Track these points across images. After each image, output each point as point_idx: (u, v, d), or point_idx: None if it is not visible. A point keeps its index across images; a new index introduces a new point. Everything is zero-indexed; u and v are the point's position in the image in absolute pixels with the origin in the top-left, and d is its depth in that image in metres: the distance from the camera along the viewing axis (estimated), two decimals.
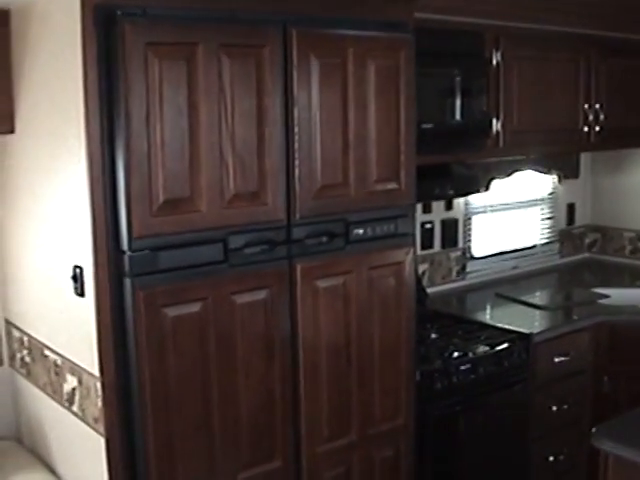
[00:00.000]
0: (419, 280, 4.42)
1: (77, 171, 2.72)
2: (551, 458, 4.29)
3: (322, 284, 3.11)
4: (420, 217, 4.60)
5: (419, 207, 4.54)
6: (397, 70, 3.21)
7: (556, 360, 4.20)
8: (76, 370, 2.96)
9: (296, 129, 2.94)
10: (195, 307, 2.80)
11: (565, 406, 4.27)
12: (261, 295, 2.95)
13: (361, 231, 3.19)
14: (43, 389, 3.25)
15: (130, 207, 2.63)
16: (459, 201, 4.83)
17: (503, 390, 3.96)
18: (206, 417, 2.88)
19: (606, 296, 4.70)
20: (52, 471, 3.29)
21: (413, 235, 3.41)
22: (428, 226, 4.71)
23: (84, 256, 2.76)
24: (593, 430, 2.96)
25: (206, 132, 2.73)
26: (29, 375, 3.37)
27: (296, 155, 2.95)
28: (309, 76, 2.95)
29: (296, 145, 2.94)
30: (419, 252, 4.51)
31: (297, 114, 2.94)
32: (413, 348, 3.45)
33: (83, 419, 2.96)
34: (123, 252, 2.69)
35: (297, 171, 2.96)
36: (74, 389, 2.99)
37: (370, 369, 3.30)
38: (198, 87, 2.71)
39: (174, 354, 2.78)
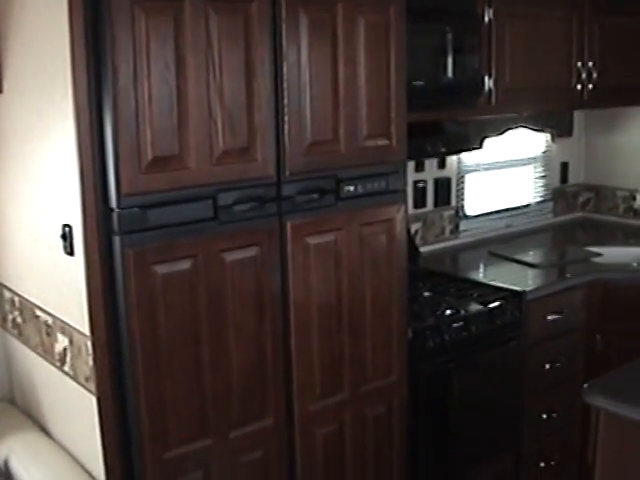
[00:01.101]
0: (412, 239, 4.41)
1: (65, 129, 2.69)
2: (544, 416, 4.30)
3: (313, 241, 3.09)
4: (413, 176, 4.59)
5: (411, 166, 4.54)
6: (387, 26, 3.17)
7: (549, 318, 4.19)
8: (67, 330, 2.95)
9: (285, 85, 2.91)
10: (185, 264, 2.79)
11: (558, 364, 4.27)
12: (251, 252, 2.93)
13: (352, 188, 3.17)
14: (35, 350, 3.24)
15: (118, 164, 2.61)
16: (452, 160, 4.81)
17: (496, 348, 3.95)
18: (197, 375, 2.88)
19: (599, 254, 4.69)
20: (45, 431, 3.30)
21: (404, 192, 3.39)
22: (421, 185, 4.69)
23: (73, 215, 2.74)
24: (585, 386, 2.95)
25: (194, 88, 2.71)
26: (21, 336, 3.36)
27: (285, 111, 2.92)
28: (298, 31, 2.92)
29: (285, 101, 2.92)
30: (412, 211, 4.54)
31: (286, 69, 2.91)
32: (405, 305, 3.45)
33: (75, 379, 2.95)
34: (112, 210, 2.67)
35: (287, 127, 2.93)
36: (65, 349, 2.98)
37: (362, 326, 3.30)
38: (185, 43, 2.67)
39: (165, 312, 2.77)
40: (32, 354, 3.28)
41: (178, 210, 2.75)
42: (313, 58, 2.98)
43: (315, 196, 3.08)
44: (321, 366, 3.20)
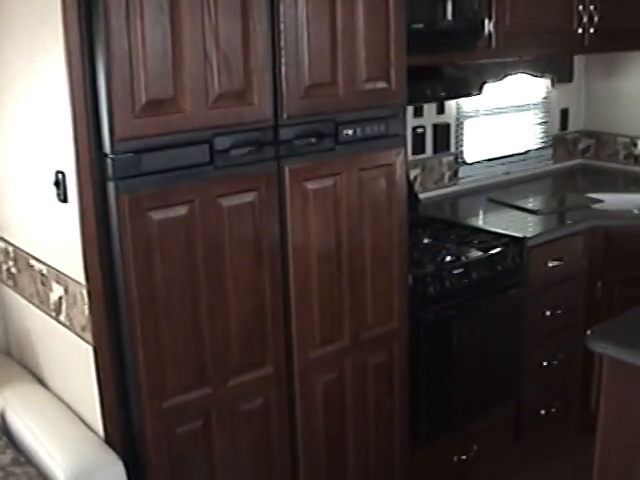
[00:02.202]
0: (411, 185, 4.36)
1: (56, 73, 2.62)
2: (545, 363, 4.27)
3: (311, 186, 3.04)
4: (411, 121, 4.53)
5: (410, 111, 4.47)
6: None
7: (550, 265, 4.15)
8: (62, 279, 2.90)
9: (282, 26, 2.83)
10: (181, 210, 2.73)
11: (559, 311, 4.24)
12: (249, 198, 2.88)
13: (351, 131, 3.11)
14: (30, 300, 3.20)
15: (112, 109, 2.54)
16: (451, 105, 4.74)
17: (497, 295, 3.92)
18: (195, 323, 2.84)
19: (600, 201, 4.64)
20: (42, 383, 3.27)
21: (404, 136, 3.33)
22: (420, 130, 4.62)
23: (66, 161, 2.68)
24: (588, 332, 2.91)
25: (189, 30, 2.63)
26: (16, 286, 3.32)
27: (282, 53, 2.85)
28: None
29: (282, 42, 2.84)
30: (411, 157, 4.49)
31: (283, 10, 2.83)
32: (405, 252, 3.40)
33: (71, 328, 2.91)
34: (106, 155, 2.61)
35: (284, 69, 2.86)
36: (60, 298, 2.94)
37: (362, 273, 3.26)
38: None
39: (161, 259, 2.72)
40: (27, 304, 3.23)
41: (173, 155, 2.69)
42: None
43: (313, 140, 3.02)
44: (321, 313, 3.16)
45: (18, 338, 3.43)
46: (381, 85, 3.17)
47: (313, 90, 2.96)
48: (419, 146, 4.64)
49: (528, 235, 4.05)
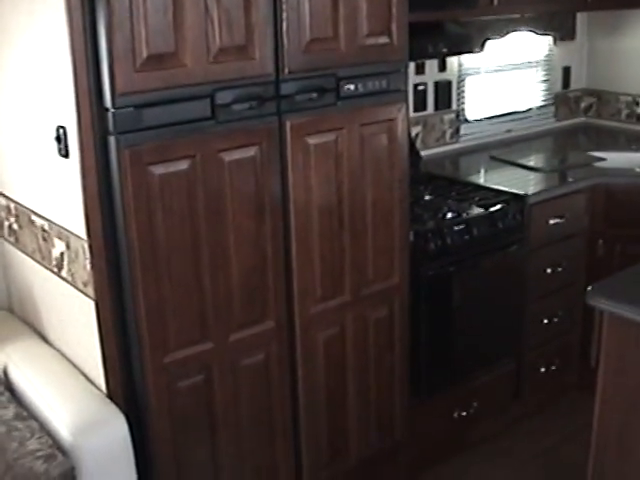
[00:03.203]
0: (412, 142, 4.35)
1: (57, 28, 2.59)
2: (545, 320, 4.29)
3: (313, 141, 3.03)
4: (413, 78, 4.51)
5: (412, 68, 4.46)
6: None
7: (551, 222, 4.16)
8: (64, 234, 2.90)
9: None
10: (183, 165, 2.73)
11: (559, 269, 4.25)
12: (250, 152, 2.88)
13: (352, 87, 3.10)
14: (32, 256, 3.20)
15: (113, 63, 2.53)
16: (452, 62, 4.72)
17: (498, 252, 3.92)
18: (197, 278, 2.85)
19: (602, 159, 4.63)
20: (44, 339, 3.28)
21: (405, 92, 3.32)
22: (421, 88, 4.61)
23: (67, 115, 2.67)
24: (588, 288, 2.92)
25: None
26: (17, 243, 3.32)
27: (284, 7, 2.83)
28: None
29: None
30: (412, 115, 4.47)
31: None
32: (406, 208, 3.40)
33: (72, 284, 2.92)
34: (107, 109, 2.60)
35: (285, 24, 2.85)
36: (62, 253, 2.95)
37: (363, 229, 3.26)
38: None
39: (162, 214, 2.72)
40: (29, 261, 3.24)
41: (175, 109, 2.69)
42: None
43: (314, 95, 3.01)
44: (322, 269, 3.17)
45: (20, 295, 3.44)
46: (383, 40, 3.15)
47: (314, 45, 2.95)
48: (420, 103, 4.63)
49: (529, 192, 4.04)
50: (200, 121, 2.75)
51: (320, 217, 3.11)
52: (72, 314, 3.00)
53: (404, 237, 3.41)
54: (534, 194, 4.05)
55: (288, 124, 2.95)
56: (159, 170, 2.68)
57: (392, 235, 3.36)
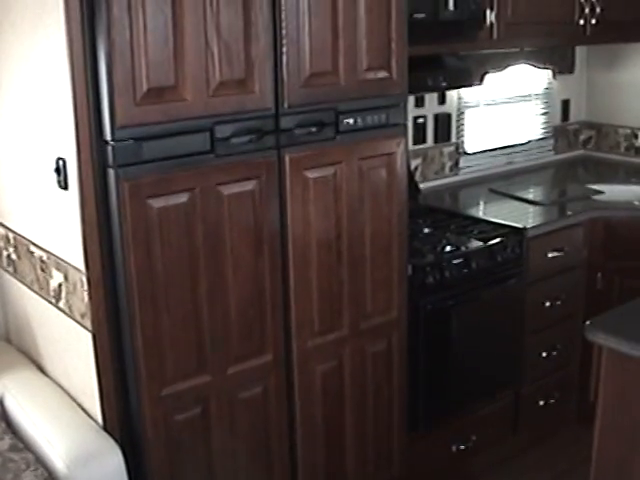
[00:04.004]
0: (411, 175, 4.36)
1: (58, 60, 2.61)
2: (544, 354, 4.28)
3: (312, 175, 3.04)
4: (413, 111, 4.53)
5: (411, 101, 4.47)
6: None
7: (550, 255, 4.15)
8: (62, 265, 2.90)
9: (283, 15, 2.83)
10: (182, 198, 2.73)
11: (558, 302, 4.24)
12: (249, 186, 2.88)
13: (351, 121, 3.11)
14: (30, 286, 3.20)
15: (113, 95, 2.54)
16: (452, 95, 4.74)
17: (496, 285, 3.92)
18: (195, 311, 2.84)
19: (600, 192, 4.63)
20: (41, 369, 3.27)
21: (405, 126, 3.33)
22: (421, 120, 4.62)
23: (67, 147, 2.68)
24: (587, 323, 2.91)
25: (190, 18, 2.63)
26: (16, 273, 3.32)
27: (284, 41, 2.85)
28: None
29: (284, 31, 2.84)
30: (412, 147, 4.49)
31: None
32: (405, 241, 3.40)
33: (70, 315, 2.92)
34: (106, 142, 2.61)
35: (285, 58, 2.86)
36: (60, 285, 2.94)
37: (361, 262, 3.26)
38: None
39: (161, 247, 2.72)
40: (27, 291, 3.24)
41: (174, 143, 2.70)
42: None
43: (314, 129, 3.02)
44: (320, 302, 3.17)
45: (18, 325, 3.43)
46: (382, 74, 3.16)
47: (314, 79, 2.96)
48: (420, 136, 4.64)
49: (528, 226, 4.04)
50: (199, 154, 2.76)
51: (318, 250, 3.11)
52: (69, 345, 2.99)
53: (402, 271, 3.41)
54: (533, 227, 4.06)
55: (287, 158, 2.96)
56: (158, 203, 2.69)
57: (391, 269, 3.35)
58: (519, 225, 4.03)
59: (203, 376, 2.92)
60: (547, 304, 4.20)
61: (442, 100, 4.69)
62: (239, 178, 2.86)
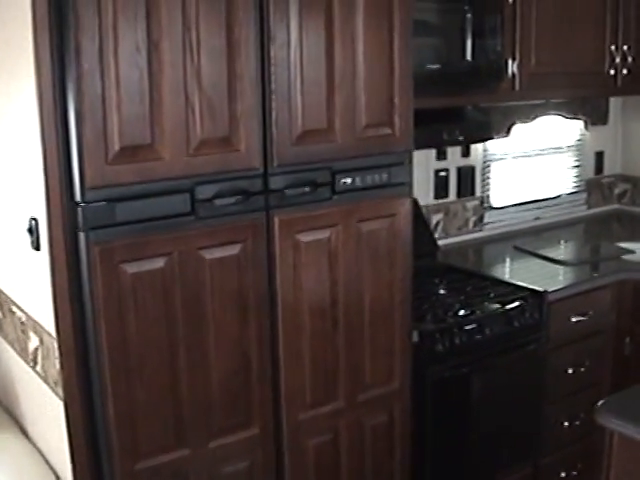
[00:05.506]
0: (430, 232, 4.18)
1: (29, 116, 2.48)
2: (566, 423, 4.04)
3: (304, 238, 2.86)
4: (434, 164, 4.37)
5: (433, 154, 4.30)
6: (390, 1, 2.92)
7: (573, 320, 3.93)
8: (38, 329, 2.77)
9: (272, 68, 2.67)
10: (158, 263, 2.57)
11: (582, 368, 4.01)
12: (234, 250, 2.71)
13: (349, 180, 2.93)
14: (12, 346, 3.08)
15: (82, 154, 2.40)
16: (477, 147, 4.54)
17: (513, 352, 3.69)
18: (173, 382, 2.67)
19: (631, 251, 4.39)
20: (23, 430, 3.13)
21: (410, 185, 3.13)
22: (443, 174, 4.43)
23: (38, 207, 2.54)
24: (598, 404, 2.69)
25: (169, 71, 2.48)
26: (1, 331, 3.18)
27: (273, 96, 2.69)
28: (287, 6, 2.68)
29: (273, 85, 2.68)
30: (433, 202, 4.35)
31: (274, 51, 2.67)
32: (409, 308, 3.20)
33: (45, 381, 2.78)
34: (77, 203, 2.46)
35: (274, 114, 2.70)
36: (37, 349, 2.81)
37: (359, 331, 3.07)
38: (160, 20, 2.44)
39: (135, 315, 2.56)
40: (10, 349, 3.11)
41: (150, 204, 2.54)
42: (305, 37, 2.73)
43: (307, 189, 2.84)
44: (313, 373, 2.98)
45: (4, 383, 3.30)
46: (384, 131, 2.99)
47: (307, 137, 2.79)
48: (442, 190, 4.45)
49: (550, 289, 3.82)
50: (178, 216, 2.60)
51: (311, 318, 2.93)
52: (45, 412, 2.85)
53: (406, 339, 3.21)
54: (554, 291, 3.83)
55: (277, 220, 2.78)
56: (132, 268, 2.53)
57: (392, 337, 3.16)
58: (539, 288, 3.80)
59: (182, 450, 2.75)
60: (570, 371, 3.97)
61: (466, 152, 4.50)
62: (223, 242, 2.69)
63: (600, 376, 4.12)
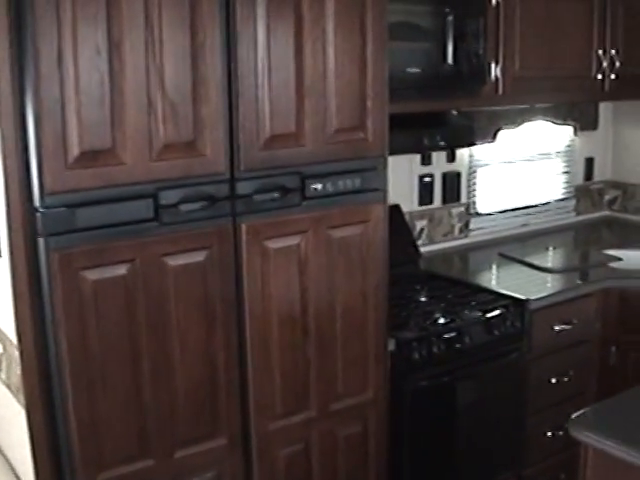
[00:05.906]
0: (412, 238, 4.12)
1: None
2: (549, 433, 3.97)
3: (273, 245, 2.81)
4: (418, 170, 4.31)
5: (417, 159, 4.24)
6: (363, 3, 2.86)
7: (556, 328, 3.86)
8: (1, 336, 2.72)
9: (239, 71, 2.62)
10: (120, 270, 2.52)
11: (566, 378, 3.94)
12: (199, 257, 2.65)
13: (319, 186, 2.87)
14: None
15: (41, 159, 2.35)
16: (463, 153, 4.48)
17: (494, 361, 3.63)
18: (136, 391, 2.62)
19: (618, 259, 4.33)
20: None
21: (384, 191, 3.07)
22: (427, 179, 4.36)
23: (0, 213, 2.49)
24: (572, 417, 2.63)
25: (130, 73, 2.43)
26: None
27: (239, 100, 2.64)
28: (254, 7, 2.63)
29: (239, 89, 2.63)
30: (417, 208, 4.27)
31: (240, 53, 2.62)
32: (384, 316, 3.14)
33: (9, 388, 2.74)
34: (36, 209, 2.41)
35: (241, 118, 2.65)
36: (1, 355, 2.75)
37: (331, 340, 3.01)
38: (121, 20, 2.39)
39: (97, 322, 2.51)
40: None
41: (112, 210, 2.48)
42: (273, 39, 2.68)
43: (276, 195, 2.78)
44: (283, 382, 2.92)
45: None
46: (356, 136, 2.93)
47: (275, 141, 2.74)
48: (427, 196, 4.39)
49: (532, 297, 3.75)
50: (141, 222, 2.54)
51: (281, 326, 2.87)
52: (11, 420, 2.81)
53: (381, 347, 3.15)
54: (537, 299, 3.76)
55: (244, 227, 2.73)
56: (93, 275, 2.48)
57: (366, 345, 3.10)
58: (520, 296, 3.74)
59: (146, 460, 2.69)
60: (553, 380, 3.91)
61: (451, 158, 4.42)
62: (187, 248, 2.64)
63: (585, 386, 4.06)
